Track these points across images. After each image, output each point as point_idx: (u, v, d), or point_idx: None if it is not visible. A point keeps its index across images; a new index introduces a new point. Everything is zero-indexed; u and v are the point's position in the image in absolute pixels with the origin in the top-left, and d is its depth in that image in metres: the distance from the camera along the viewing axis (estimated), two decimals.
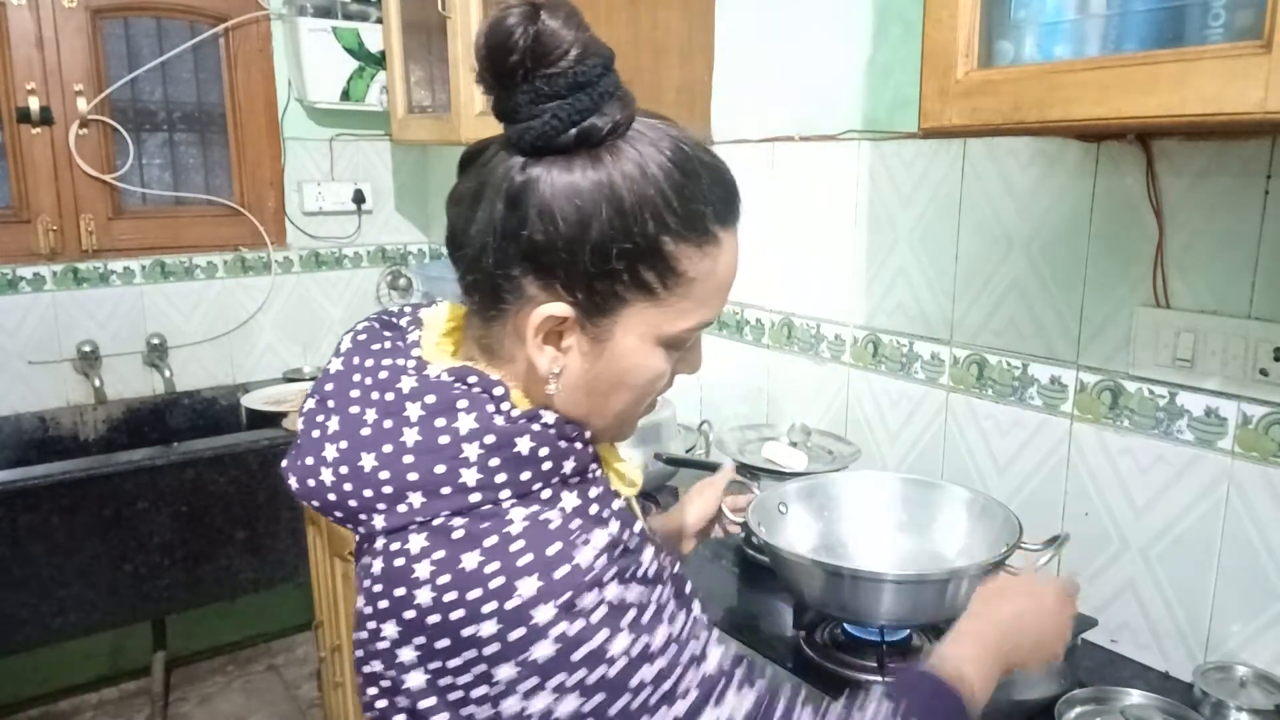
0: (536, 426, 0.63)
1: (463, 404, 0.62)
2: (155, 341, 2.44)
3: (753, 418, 1.74)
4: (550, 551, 0.58)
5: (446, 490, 0.60)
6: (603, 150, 0.60)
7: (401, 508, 0.61)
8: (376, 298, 2.80)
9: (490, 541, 0.58)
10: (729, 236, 0.65)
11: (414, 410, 0.62)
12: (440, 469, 0.60)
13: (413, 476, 0.60)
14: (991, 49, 0.97)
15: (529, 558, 0.58)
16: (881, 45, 1.43)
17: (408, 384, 0.64)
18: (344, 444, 0.63)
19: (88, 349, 2.35)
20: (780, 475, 1.33)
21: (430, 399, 0.63)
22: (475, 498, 0.60)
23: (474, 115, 1.92)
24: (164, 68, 2.42)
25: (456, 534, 0.59)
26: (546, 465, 0.63)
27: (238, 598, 2.18)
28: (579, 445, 0.65)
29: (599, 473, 0.70)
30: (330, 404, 0.67)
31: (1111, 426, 1.17)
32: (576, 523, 0.61)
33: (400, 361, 0.67)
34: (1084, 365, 1.20)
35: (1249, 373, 1.03)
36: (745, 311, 1.75)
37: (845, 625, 1.12)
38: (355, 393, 0.66)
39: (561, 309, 0.62)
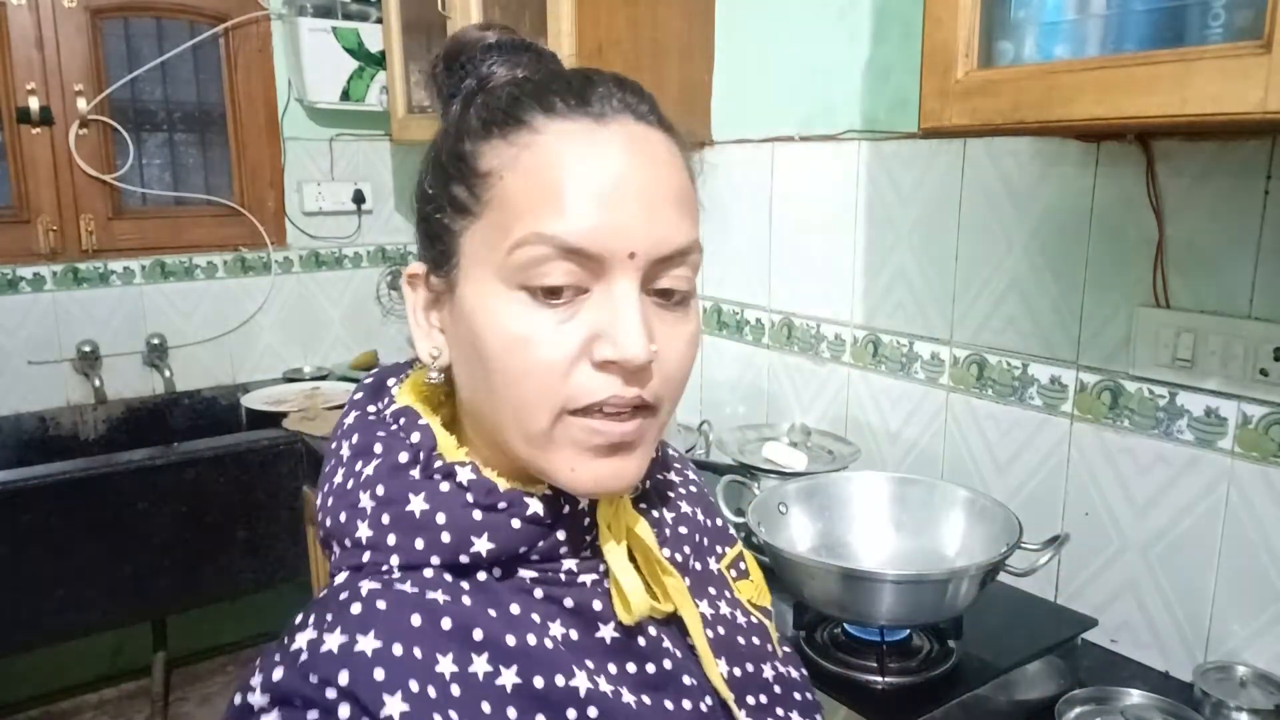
0: (444, 485, 0.52)
1: (378, 447, 0.55)
2: (155, 341, 2.43)
3: (753, 418, 1.74)
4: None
5: (347, 542, 0.53)
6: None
7: (331, 555, 0.55)
8: (376, 298, 2.80)
9: (317, 616, 0.49)
10: (553, 121, 0.51)
11: (345, 449, 0.57)
12: (343, 517, 0.54)
13: (328, 522, 0.54)
14: (991, 49, 0.97)
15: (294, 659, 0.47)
16: (881, 45, 1.43)
17: (349, 419, 0.59)
18: (320, 478, 0.59)
19: (88, 349, 2.35)
20: (780, 475, 1.33)
21: (356, 439, 0.57)
22: (366, 557, 0.52)
23: None
24: (164, 68, 2.42)
25: (323, 592, 0.52)
26: (445, 537, 0.51)
27: (238, 598, 2.18)
28: (505, 517, 0.52)
29: (578, 569, 0.55)
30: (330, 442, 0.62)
31: (1111, 426, 1.17)
32: (431, 628, 0.48)
33: (367, 396, 0.61)
34: (1084, 365, 1.20)
35: (1249, 373, 1.03)
36: (745, 311, 1.75)
37: (845, 625, 1.12)
38: (340, 429, 0.60)
39: (416, 265, 0.56)
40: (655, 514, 0.63)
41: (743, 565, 0.70)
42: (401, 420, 0.56)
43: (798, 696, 0.64)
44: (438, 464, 0.53)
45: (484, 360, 0.51)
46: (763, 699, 0.61)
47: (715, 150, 1.77)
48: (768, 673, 0.63)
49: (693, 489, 0.69)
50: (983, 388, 1.33)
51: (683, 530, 0.64)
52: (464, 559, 0.52)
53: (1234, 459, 1.05)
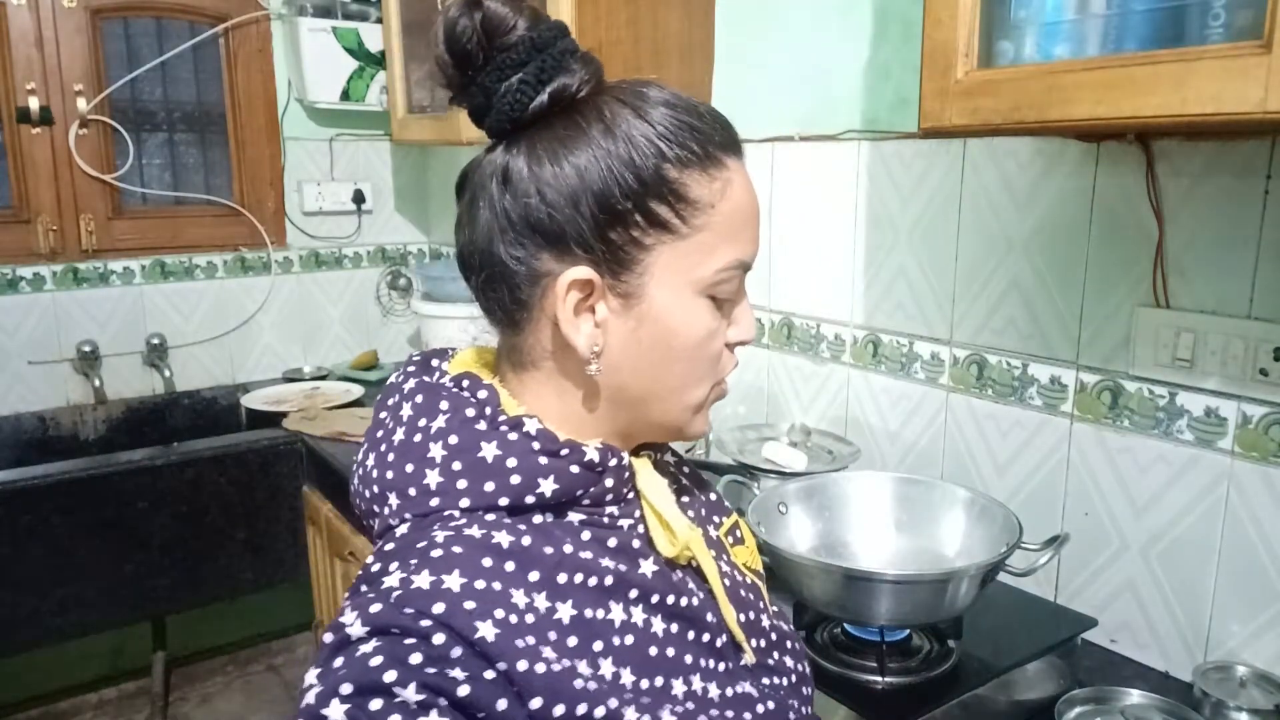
0: (512, 435, 0.58)
1: (444, 405, 0.60)
2: (155, 341, 2.43)
3: (753, 418, 1.74)
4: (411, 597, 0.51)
5: (412, 491, 0.58)
6: (579, 106, 0.59)
7: (385, 509, 0.59)
8: (376, 298, 2.80)
9: (400, 560, 0.54)
10: (737, 164, 0.61)
11: (406, 410, 0.62)
12: (409, 468, 0.59)
13: (390, 475, 0.59)
14: (991, 49, 0.97)
15: (386, 596, 0.51)
16: (881, 45, 1.43)
17: (409, 385, 0.64)
18: (365, 447, 0.63)
19: (88, 349, 2.35)
20: (780, 475, 1.33)
21: (419, 399, 0.62)
22: (434, 502, 0.57)
23: None
24: (164, 68, 2.42)
25: (388, 545, 0.56)
26: (515, 479, 0.57)
27: (238, 598, 2.18)
28: (566, 463, 0.59)
29: (619, 513, 0.63)
30: (376, 414, 0.66)
31: (1111, 426, 1.17)
32: (500, 568, 0.54)
33: (419, 369, 0.66)
34: (1084, 365, 1.20)
35: (1249, 373, 1.03)
36: None
37: (845, 625, 1.12)
38: (390, 400, 0.65)
39: (584, 271, 0.58)
40: (666, 481, 0.70)
41: (738, 533, 0.77)
42: (465, 383, 0.62)
43: (789, 644, 0.73)
44: (503, 418, 0.59)
45: (672, 352, 0.60)
46: (762, 642, 0.70)
47: None
48: (765, 622, 0.71)
49: (686, 469, 0.78)
50: (983, 388, 1.33)
51: (685, 499, 0.73)
52: (529, 499, 0.58)
53: (1234, 459, 1.05)
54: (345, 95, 2.52)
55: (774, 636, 0.71)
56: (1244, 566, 1.06)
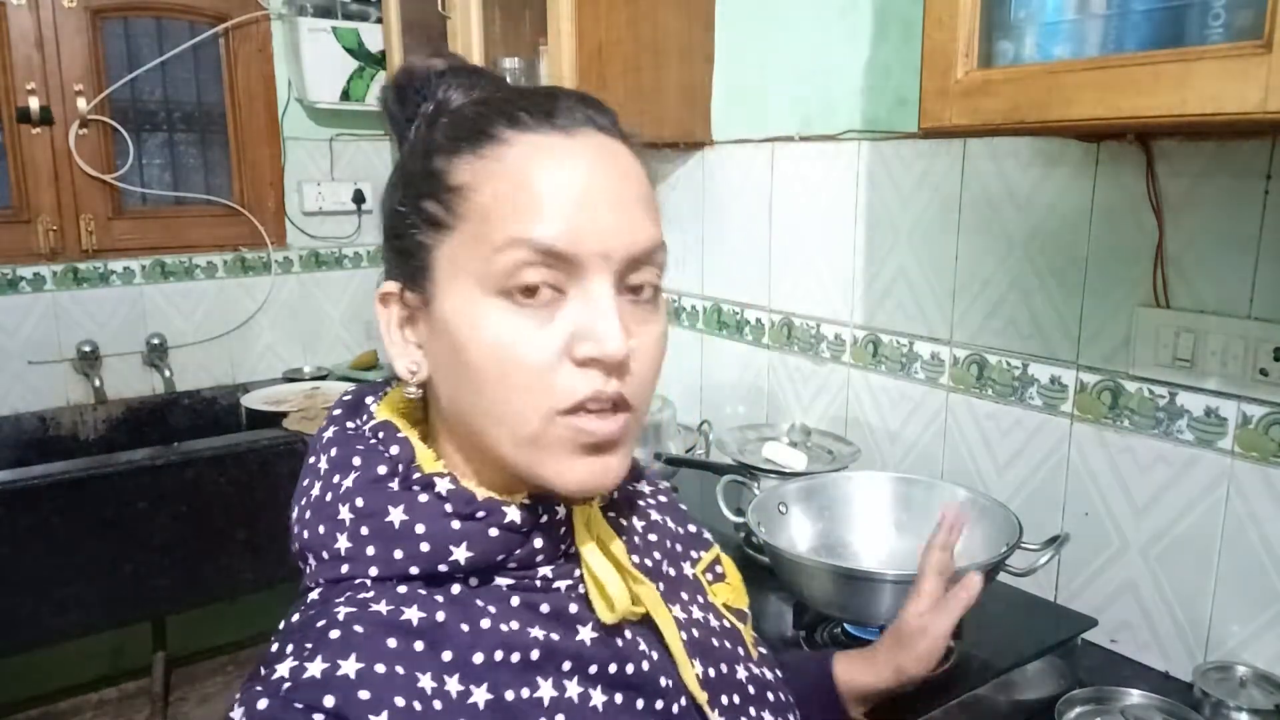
0: (423, 496, 0.53)
1: (356, 460, 0.56)
2: (155, 341, 2.43)
3: (753, 418, 1.74)
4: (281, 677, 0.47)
5: (325, 555, 0.54)
6: None
7: (306, 568, 0.56)
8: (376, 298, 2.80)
9: (296, 644, 0.50)
10: (522, 134, 0.53)
11: (323, 463, 0.58)
12: (321, 529, 0.55)
13: (305, 535, 0.56)
14: (991, 49, 0.97)
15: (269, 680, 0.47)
16: (881, 45, 1.43)
17: (328, 433, 0.60)
18: (295, 493, 0.60)
19: (88, 349, 2.34)
20: (780, 475, 1.33)
21: (334, 451, 0.58)
22: (345, 569, 0.53)
23: None
24: (164, 68, 2.42)
25: (294, 617, 0.53)
26: (424, 546, 0.52)
27: (238, 598, 2.18)
28: (484, 526, 0.53)
29: (554, 574, 0.56)
30: (307, 457, 0.62)
31: (1111, 426, 1.17)
32: (406, 649, 0.49)
33: (346, 413, 0.62)
34: (1084, 365, 1.20)
35: (1249, 373, 1.03)
36: (745, 311, 1.75)
37: (845, 625, 1.12)
38: (317, 443, 0.61)
39: (387, 285, 0.57)
40: (624, 522, 0.65)
41: (719, 569, 0.72)
42: (380, 434, 0.57)
43: (770, 697, 0.66)
44: (416, 475, 0.54)
45: (468, 368, 0.52)
46: (736, 699, 0.63)
47: (715, 150, 1.77)
48: (741, 674, 0.65)
49: (662, 499, 0.72)
50: (983, 388, 1.33)
51: (653, 538, 0.67)
52: (442, 568, 0.53)
53: (1234, 459, 1.05)
54: (345, 95, 2.52)
55: (751, 690, 0.65)
56: (1244, 566, 1.06)
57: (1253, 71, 0.73)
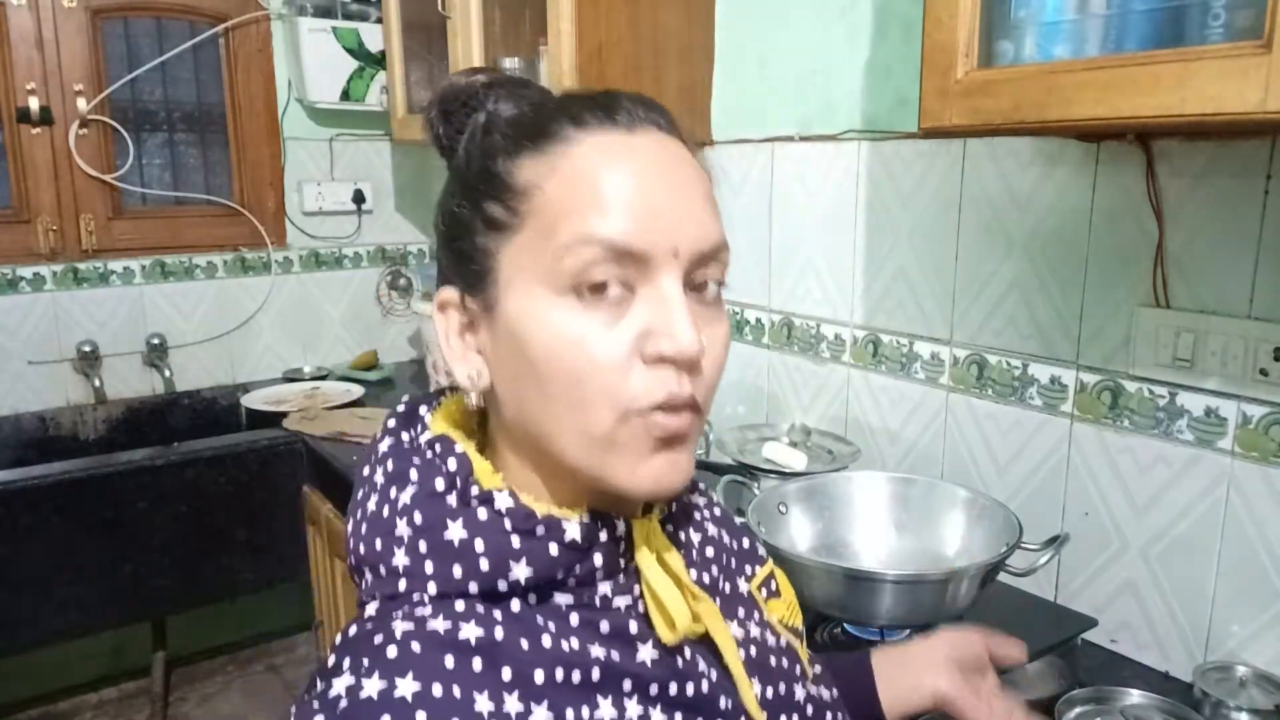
0: (482, 512, 0.52)
1: (413, 474, 0.55)
2: (155, 341, 2.43)
3: (753, 418, 1.74)
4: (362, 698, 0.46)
5: (382, 570, 0.53)
6: None
7: (362, 582, 0.55)
8: (376, 298, 2.80)
9: (353, 659, 0.48)
10: (587, 133, 0.53)
11: (379, 476, 0.56)
12: (378, 545, 0.53)
13: (362, 549, 0.54)
14: (991, 49, 0.97)
15: (341, 700, 0.46)
16: (881, 45, 1.43)
17: (384, 445, 0.58)
18: (349, 510, 0.58)
19: (88, 349, 2.35)
20: (780, 475, 1.33)
21: (390, 465, 0.56)
22: (402, 585, 0.52)
23: None
24: (164, 68, 2.42)
25: (351, 630, 0.51)
26: (484, 564, 0.51)
27: (238, 598, 2.18)
28: (543, 543, 0.52)
29: (613, 592, 0.55)
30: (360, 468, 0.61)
31: (1111, 426, 1.17)
32: (464, 668, 0.48)
33: (401, 424, 0.61)
34: (1084, 365, 1.20)
35: (1249, 373, 1.03)
36: (745, 311, 1.75)
37: (845, 625, 1.12)
38: (373, 455, 0.60)
39: (446, 292, 0.56)
40: (682, 536, 0.63)
41: (773, 585, 0.70)
42: (437, 448, 0.55)
43: (828, 716, 0.65)
44: (474, 491, 0.53)
45: (536, 370, 0.51)
46: (794, 719, 0.62)
47: (715, 150, 1.77)
48: (799, 694, 0.63)
49: (717, 511, 0.70)
50: (983, 388, 1.33)
51: (709, 552, 0.65)
52: (502, 586, 0.51)
53: (1234, 459, 1.05)
54: (345, 95, 2.52)
55: (810, 711, 0.64)
56: (1244, 566, 1.06)
57: (1253, 71, 0.73)
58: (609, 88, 0.57)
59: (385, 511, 0.54)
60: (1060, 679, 1.09)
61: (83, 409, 2.37)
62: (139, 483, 1.95)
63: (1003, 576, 1.05)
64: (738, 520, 0.74)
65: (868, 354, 1.51)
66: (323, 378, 2.60)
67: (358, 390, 2.42)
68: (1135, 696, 1.02)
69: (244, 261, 2.56)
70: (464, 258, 0.54)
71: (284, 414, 2.22)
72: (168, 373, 2.45)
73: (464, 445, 0.55)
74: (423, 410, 0.61)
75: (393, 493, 0.54)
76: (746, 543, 0.70)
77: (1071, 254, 1.20)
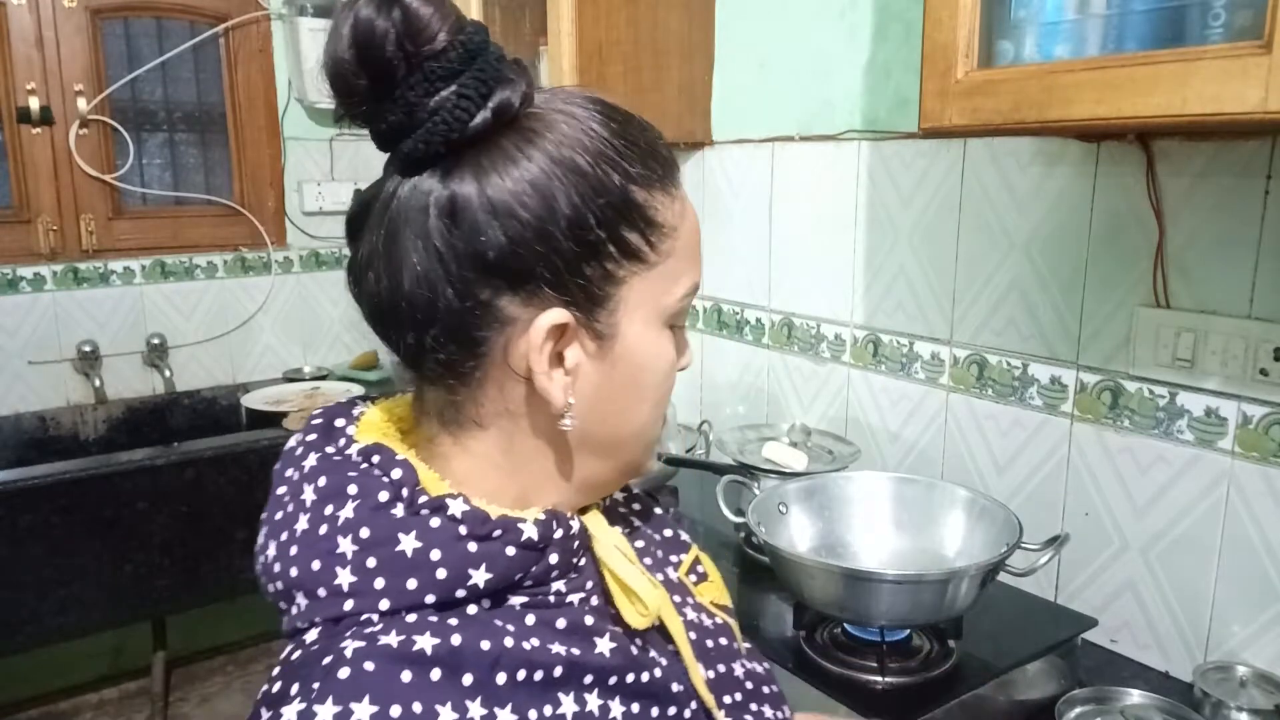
0: (435, 520, 0.51)
1: (352, 489, 0.52)
2: (155, 341, 2.44)
3: (753, 418, 1.74)
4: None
5: (321, 592, 0.50)
6: (523, 121, 0.51)
7: (293, 608, 0.52)
8: None
9: (303, 683, 0.46)
10: (681, 188, 0.57)
11: (309, 494, 0.53)
12: (316, 565, 0.50)
13: (294, 572, 0.51)
14: (991, 49, 0.97)
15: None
16: (881, 45, 1.43)
17: (309, 462, 0.55)
18: (264, 531, 0.55)
19: (88, 349, 2.35)
20: (780, 475, 1.33)
21: (322, 481, 0.53)
22: (348, 605, 0.49)
23: None
24: (164, 68, 2.42)
25: (295, 654, 0.49)
26: (441, 573, 0.50)
27: (238, 598, 2.18)
28: (500, 546, 0.51)
29: (567, 589, 0.55)
30: (275, 488, 0.57)
31: (1111, 426, 1.17)
32: (422, 681, 0.46)
33: (321, 438, 0.57)
34: (1084, 365, 1.20)
35: (1249, 373, 1.03)
36: (745, 311, 1.75)
37: (845, 625, 1.12)
38: (288, 472, 0.56)
39: (559, 314, 0.51)
40: (622, 537, 0.64)
41: (700, 569, 0.71)
42: (375, 459, 0.53)
43: (765, 690, 0.67)
44: (423, 499, 0.51)
45: (641, 390, 0.57)
46: (737, 696, 0.64)
47: (715, 150, 1.77)
48: (738, 670, 0.65)
49: (637, 506, 0.71)
50: (983, 388, 1.33)
51: (639, 544, 0.67)
52: (460, 593, 0.50)
53: (1234, 459, 1.05)
54: None
55: (749, 686, 0.65)
56: (1244, 566, 1.06)
57: (1253, 71, 0.73)
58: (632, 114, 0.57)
59: (322, 530, 0.51)
60: (1060, 679, 1.09)
61: (83, 409, 2.37)
62: (139, 483, 1.95)
63: (1003, 576, 1.05)
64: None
65: (868, 354, 1.51)
66: (323, 378, 2.60)
67: (357, 390, 2.42)
68: (1135, 696, 1.02)
69: (244, 261, 2.56)
70: (586, 280, 0.52)
71: (284, 414, 2.23)
72: (168, 373, 2.45)
73: (404, 453, 0.54)
74: (340, 423, 0.59)
75: (329, 509, 0.52)
76: (669, 532, 0.71)
77: (1071, 254, 1.20)
